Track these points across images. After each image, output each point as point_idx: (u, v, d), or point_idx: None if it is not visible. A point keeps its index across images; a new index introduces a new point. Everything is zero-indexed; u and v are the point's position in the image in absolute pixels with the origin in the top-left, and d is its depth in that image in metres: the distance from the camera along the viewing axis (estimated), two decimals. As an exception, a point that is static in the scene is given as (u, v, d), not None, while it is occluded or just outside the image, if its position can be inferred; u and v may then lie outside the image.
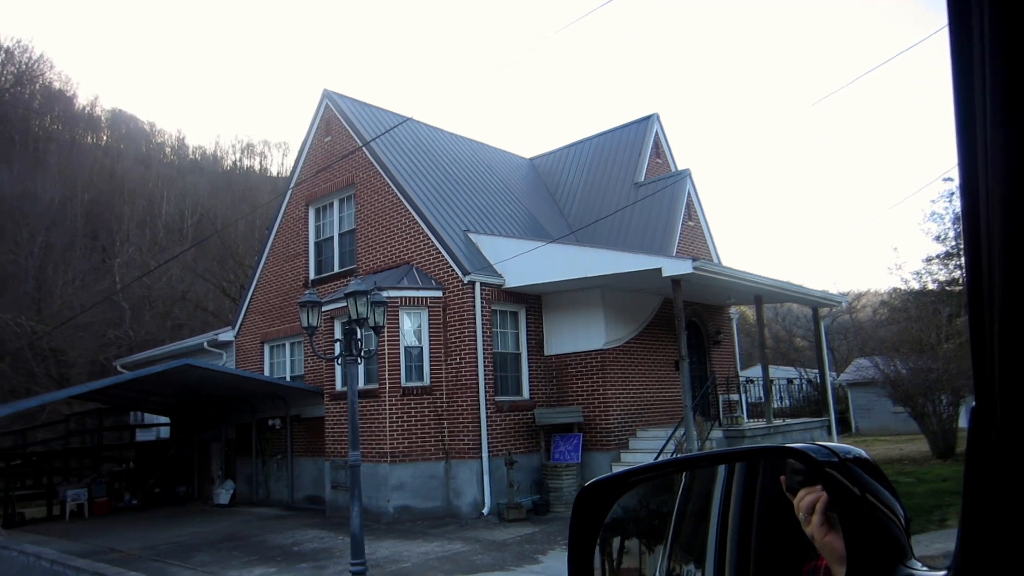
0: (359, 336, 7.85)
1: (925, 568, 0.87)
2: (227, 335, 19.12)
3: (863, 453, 0.97)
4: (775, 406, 17.30)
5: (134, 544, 13.15)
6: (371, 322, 8.35)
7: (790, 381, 18.47)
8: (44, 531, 15.33)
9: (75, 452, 19.14)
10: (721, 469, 1.34)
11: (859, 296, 43.16)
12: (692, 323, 17.24)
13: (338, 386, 14.93)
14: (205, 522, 15.50)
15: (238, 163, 69.44)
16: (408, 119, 16.49)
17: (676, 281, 12.74)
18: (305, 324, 8.06)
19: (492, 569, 9.94)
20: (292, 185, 18.22)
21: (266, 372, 18.05)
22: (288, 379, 17.40)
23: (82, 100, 66.36)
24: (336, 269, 16.95)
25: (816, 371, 19.30)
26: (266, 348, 18.33)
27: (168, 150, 71.34)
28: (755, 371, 33.33)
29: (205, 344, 19.08)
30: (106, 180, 53.40)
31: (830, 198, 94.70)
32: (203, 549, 12.42)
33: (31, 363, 30.00)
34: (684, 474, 1.45)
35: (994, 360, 0.63)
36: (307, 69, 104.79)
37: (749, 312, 51.66)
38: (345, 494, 14.28)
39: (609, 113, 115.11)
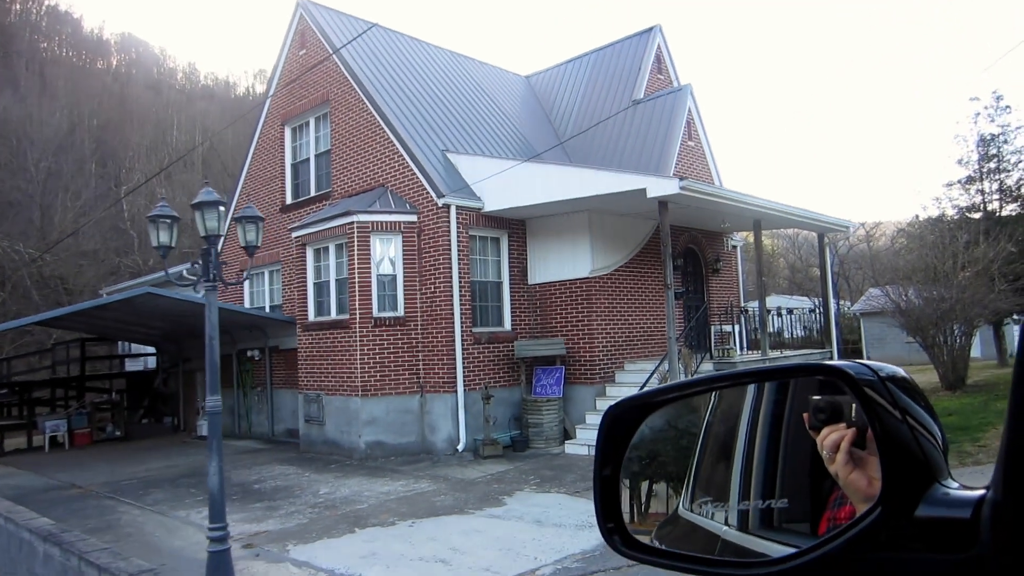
0: (212, 256, 6.81)
1: (962, 488, 0.85)
2: (207, 263, 18.24)
3: (902, 372, 0.95)
4: (787, 337, 16.41)
5: (99, 479, 12.64)
6: (242, 241, 7.27)
7: (812, 311, 17.46)
8: (17, 463, 14.89)
9: (60, 382, 18.62)
10: (751, 389, 1.28)
11: (876, 225, 41.56)
12: (690, 250, 16.22)
13: (311, 316, 14.14)
14: (180, 455, 14.99)
15: (251, 89, 67.77)
16: (375, 24, 15.20)
17: (663, 203, 11.66)
18: (156, 243, 7.03)
19: (450, 512, 9.20)
20: (267, 100, 17.06)
21: (246, 301, 17.32)
22: (268, 309, 16.68)
23: (89, 24, 64.87)
24: (312, 192, 15.99)
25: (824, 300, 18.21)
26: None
27: (180, 75, 69.59)
28: (769, 301, 32.45)
29: (185, 272, 18.19)
30: (115, 106, 52.22)
31: (847, 121, 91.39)
32: (162, 485, 11.85)
33: (31, 291, 29.54)
34: (714, 394, 1.34)
35: None
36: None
37: (767, 240, 50.26)
38: (319, 428, 13.72)
39: (617, 26, 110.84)
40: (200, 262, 6.71)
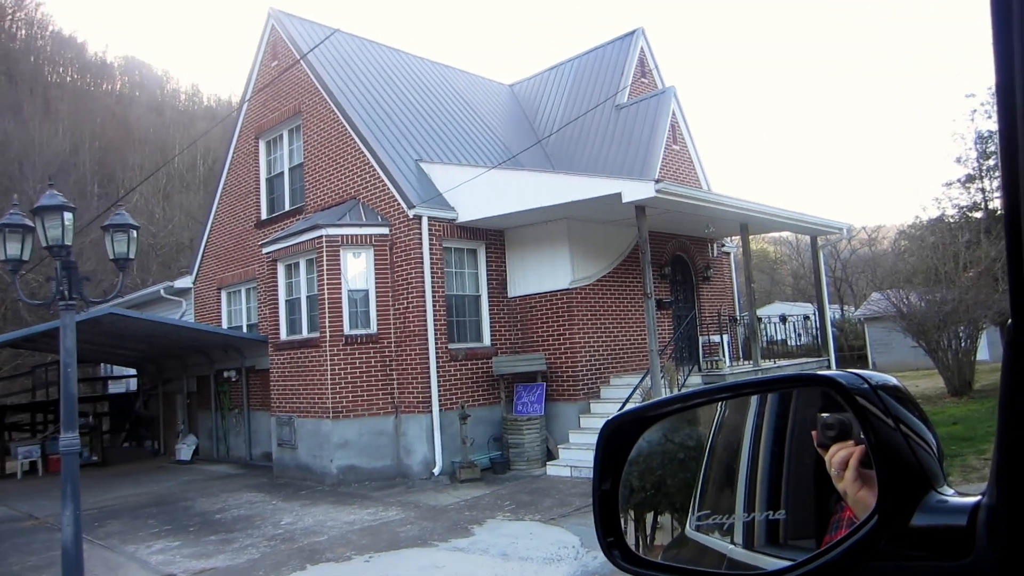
0: (66, 271, 6.10)
1: (958, 495, 0.87)
2: (184, 282, 17.70)
3: (895, 381, 0.98)
4: (786, 345, 15.69)
5: (59, 508, 11.95)
6: (116, 251, 6.53)
7: (806, 318, 16.77)
8: (-14, 492, 14.25)
9: (38, 406, 18.00)
10: (754, 401, 1.31)
11: (878, 228, 40.68)
12: (678, 258, 15.51)
13: (283, 335, 13.51)
14: (152, 482, 14.31)
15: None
16: (337, 30, 14.59)
17: (640, 208, 11.03)
18: (112, 255, 6.36)
19: (412, 544, 8.47)
20: (241, 114, 16.48)
21: (223, 320, 16.74)
22: (245, 328, 16.09)
23: (93, 47, 64.83)
24: (287, 207, 15.40)
25: (834, 307, 17.48)
26: (223, 295, 16.95)
27: (183, 97, 69.36)
28: (769, 309, 31.69)
29: (162, 292, 17.67)
30: (118, 128, 51.95)
31: (846, 123, 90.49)
32: (122, 516, 11.19)
33: (22, 312, 29.03)
34: (718, 407, 1.36)
35: None
36: (324, 10, 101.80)
37: (769, 247, 49.39)
38: (291, 452, 13.08)
39: (603, 29, 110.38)
40: (60, 281, 5.94)
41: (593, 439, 11.81)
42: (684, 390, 9.15)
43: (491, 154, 15.63)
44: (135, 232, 6.77)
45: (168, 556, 8.67)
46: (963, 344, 17.12)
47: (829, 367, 14.70)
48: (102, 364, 20.29)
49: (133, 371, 19.59)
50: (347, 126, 13.65)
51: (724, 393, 1.30)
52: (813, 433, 1.02)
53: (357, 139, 13.44)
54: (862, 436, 0.94)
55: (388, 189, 12.84)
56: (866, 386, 0.94)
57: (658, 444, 1.35)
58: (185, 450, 16.38)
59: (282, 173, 15.64)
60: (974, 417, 13.78)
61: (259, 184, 16.12)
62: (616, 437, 1.30)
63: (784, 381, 1.16)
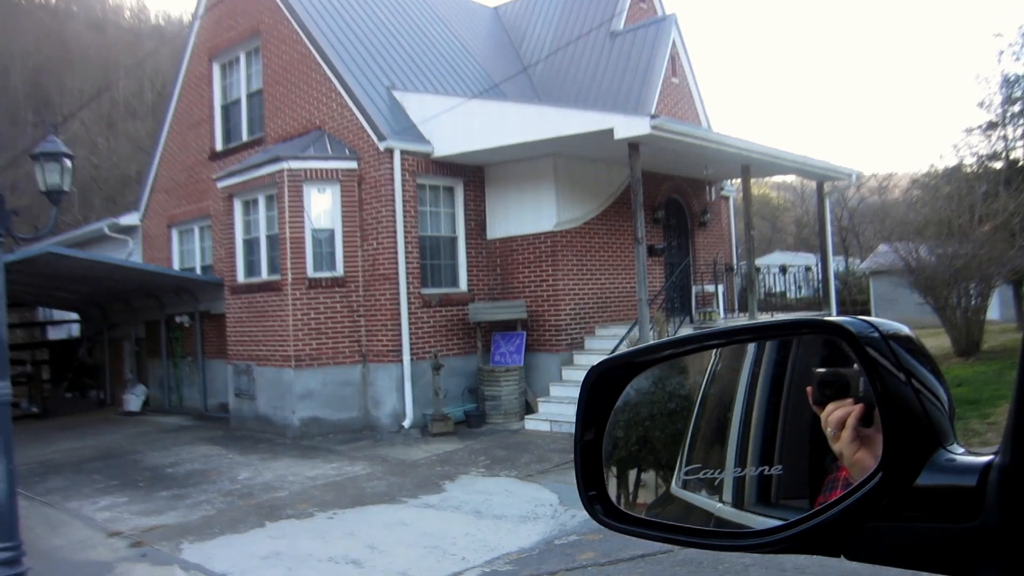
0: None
1: (969, 453, 0.87)
2: (131, 219, 17.52)
3: (907, 330, 0.96)
4: (786, 297, 15.87)
5: (-3, 462, 11.99)
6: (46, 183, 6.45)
7: (808, 269, 16.94)
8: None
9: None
10: (750, 351, 1.27)
11: (889, 176, 40.87)
12: (673, 201, 15.57)
13: (240, 277, 13.52)
14: (97, 434, 14.36)
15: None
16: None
17: (634, 145, 11.02)
18: (43, 187, 6.29)
19: (379, 500, 8.63)
20: (191, 36, 16.16)
21: (175, 261, 16.69)
22: (199, 270, 16.07)
23: (23, -44, 62.78)
24: (244, 137, 15.25)
25: (838, 258, 17.66)
26: (174, 233, 16.86)
27: (127, 13, 67.59)
28: (770, 259, 31.97)
29: (106, 229, 17.47)
30: (54, 46, 50.60)
31: (855, 64, 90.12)
32: (65, 470, 11.24)
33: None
34: (713, 355, 1.33)
35: None
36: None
37: (772, 193, 49.48)
38: (250, 403, 13.23)
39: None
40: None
41: (575, 393, 11.95)
42: (673, 336, 9.28)
43: (472, 83, 15.46)
44: (69, 161, 6.66)
45: (115, 513, 8.76)
46: (973, 302, 17.33)
47: (830, 321, 14.93)
48: (40, 308, 20.11)
49: (75, 316, 19.47)
50: (311, 48, 13.45)
51: (718, 339, 1.30)
52: (808, 390, 1.03)
53: (323, 63, 13.27)
54: (862, 392, 0.94)
55: (357, 119, 12.72)
56: (876, 334, 0.93)
57: (646, 393, 1.36)
58: (134, 400, 16.44)
59: (239, 100, 15.42)
60: (980, 379, 14.06)
61: (213, 112, 15.91)
62: (602, 384, 1.31)
63: (784, 327, 1.17)
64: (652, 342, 1.53)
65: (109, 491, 9.87)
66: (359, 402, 12.49)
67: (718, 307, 13.31)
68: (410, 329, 12.26)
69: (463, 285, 13.31)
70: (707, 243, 16.24)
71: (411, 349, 12.23)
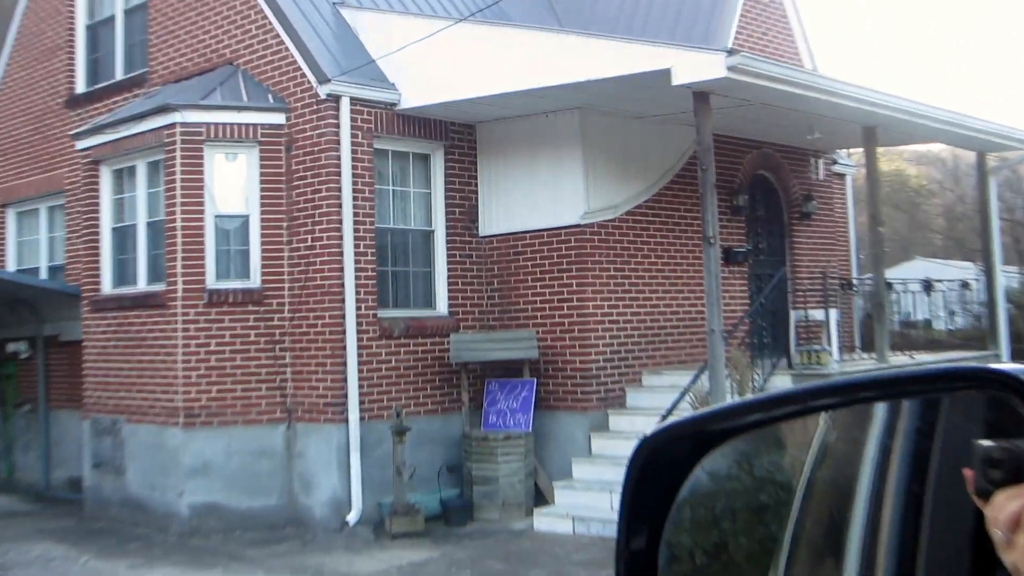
0: None
1: None
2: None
3: None
4: (940, 328, 15.29)
5: None
6: None
7: (965, 286, 16.54)
8: None
9: None
10: (879, 414, 1.32)
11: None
12: (762, 181, 15.50)
13: (106, 286, 13.55)
14: None
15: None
16: None
17: (701, 95, 10.82)
18: None
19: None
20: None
21: (9, 258, 16.62)
22: (44, 272, 16.03)
23: None
24: (120, 75, 15.18)
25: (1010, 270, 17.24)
26: (9, 216, 16.83)
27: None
28: (907, 269, 31.25)
29: None
30: None
31: None
32: None
33: None
34: (822, 419, 1.40)
35: None
36: None
37: (910, 168, 48.61)
38: (117, 478, 13.13)
39: None
40: None
41: (614, 475, 11.31)
42: (763, 394, 8.55)
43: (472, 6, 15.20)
44: None
45: None
46: None
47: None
48: None
49: None
50: (221, -60, 13.57)
51: (832, 397, 1.32)
52: (967, 473, 1.02)
53: (234, -38, 13.39)
54: None
55: (287, 50, 12.53)
56: None
57: (724, 478, 1.40)
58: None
59: (112, 18, 15.39)
60: None
61: (74, 34, 15.85)
62: (657, 463, 1.32)
63: (930, 379, 1.21)
64: (731, 401, 1.90)
65: None
66: (281, 483, 12.26)
67: (829, 344, 13.13)
68: (361, 372, 12.05)
69: (441, 306, 13.16)
70: (812, 244, 16.15)
71: (361, 403, 12.00)
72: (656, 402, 12.21)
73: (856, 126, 13.47)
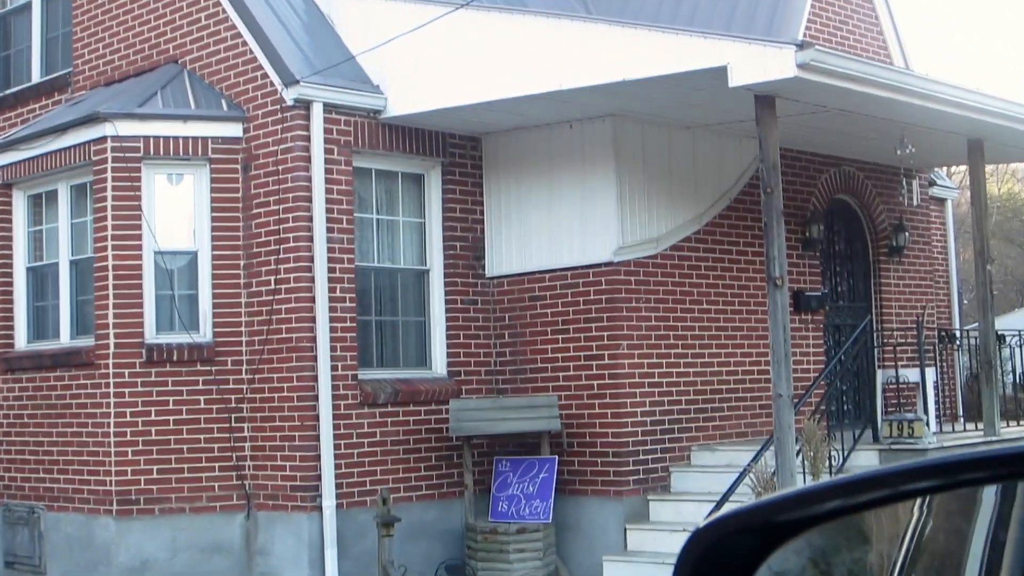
0: None
1: None
2: None
3: None
4: None
5: None
6: None
7: None
8: None
9: None
10: (988, 499, 1.34)
11: None
12: (842, 207, 15.75)
13: (19, 340, 13.97)
14: None
15: None
16: None
17: (765, 100, 11.11)
18: None
19: None
20: None
21: None
22: None
23: None
24: (37, 76, 15.65)
25: None
26: None
27: None
28: (1022, 317, 31.46)
29: None
30: None
31: None
32: None
33: None
34: (918, 505, 1.46)
35: None
36: None
37: (1017, 188, 49.00)
38: None
39: None
40: None
41: (652, 574, 11.67)
42: (845, 475, 9.20)
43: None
44: None
45: None
46: None
47: None
48: None
49: None
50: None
51: (927, 479, 1.31)
52: None
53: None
54: None
55: (244, 44, 12.91)
56: None
57: None
58: None
59: (28, 5, 15.74)
60: None
61: None
62: (712, 565, 1.34)
63: None
64: (804, 485, 1.91)
65: None
66: (238, 586, 12.42)
67: (925, 412, 13.08)
68: (337, 448, 12.33)
69: (439, 365, 13.46)
70: (904, 287, 16.29)
71: (338, 486, 12.30)
72: (709, 485, 12.45)
73: (959, 138, 13.65)
